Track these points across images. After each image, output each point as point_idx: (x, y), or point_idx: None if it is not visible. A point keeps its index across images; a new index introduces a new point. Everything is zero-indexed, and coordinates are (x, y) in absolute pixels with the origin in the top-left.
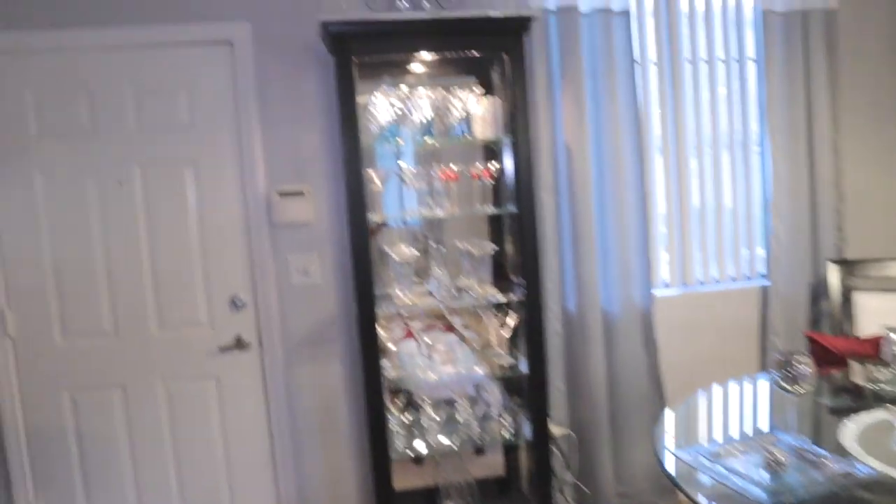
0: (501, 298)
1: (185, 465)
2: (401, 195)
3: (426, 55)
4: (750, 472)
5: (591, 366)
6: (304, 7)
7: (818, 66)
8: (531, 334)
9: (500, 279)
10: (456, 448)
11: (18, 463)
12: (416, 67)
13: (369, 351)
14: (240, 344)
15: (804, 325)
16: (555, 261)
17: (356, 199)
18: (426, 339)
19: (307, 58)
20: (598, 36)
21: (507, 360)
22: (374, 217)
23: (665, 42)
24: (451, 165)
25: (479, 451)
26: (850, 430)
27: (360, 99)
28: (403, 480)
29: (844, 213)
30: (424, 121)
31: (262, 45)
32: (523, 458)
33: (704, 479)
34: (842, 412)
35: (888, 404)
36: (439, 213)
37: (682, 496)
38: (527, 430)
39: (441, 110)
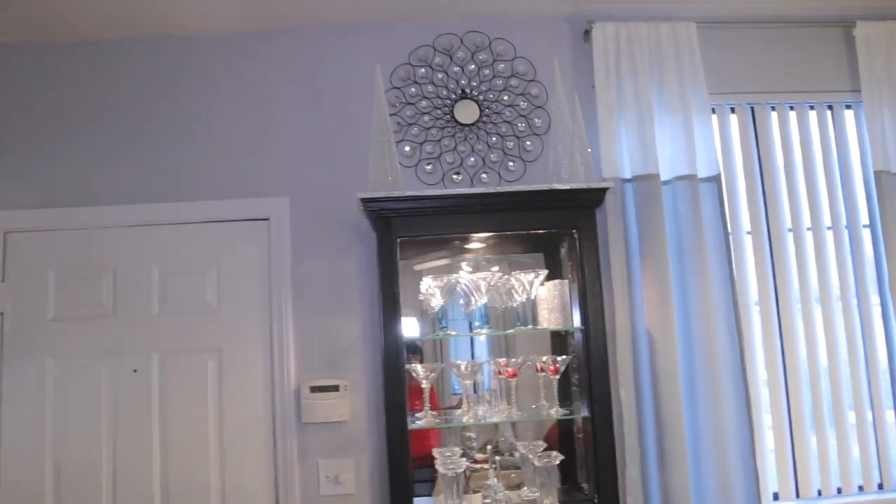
0: None
1: None
2: (445, 385)
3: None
4: None
5: None
6: (347, 179)
7: None
8: None
9: (571, 489)
10: None
11: None
12: (473, 245)
13: None
14: None
15: None
16: (636, 471)
17: (396, 398)
18: None
19: (349, 235)
20: (683, 205)
21: None
22: (420, 421)
23: (762, 209)
24: (512, 359)
25: None
26: None
27: (409, 280)
28: None
29: None
30: (480, 307)
31: (300, 221)
32: None
33: None
34: None
35: None
36: (494, 417)
37: None
38: None
39: (500, 295)
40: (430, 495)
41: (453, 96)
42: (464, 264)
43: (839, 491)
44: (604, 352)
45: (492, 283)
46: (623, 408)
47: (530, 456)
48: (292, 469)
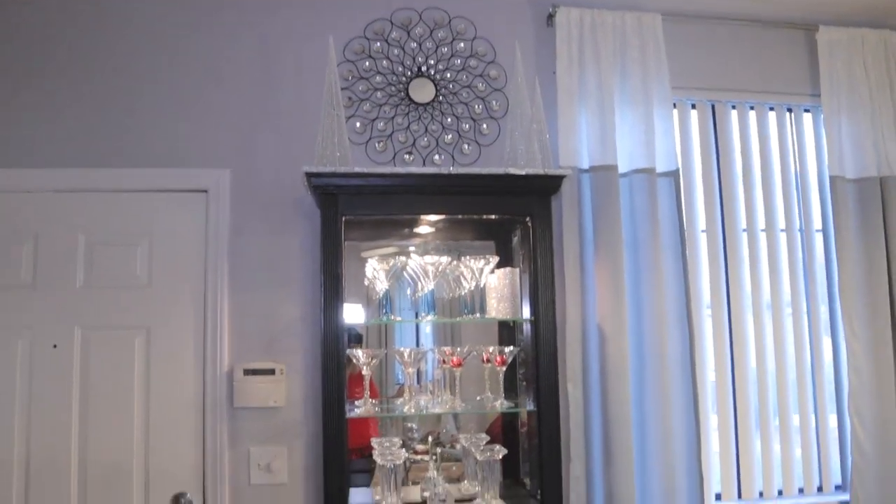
0: None
1: None
2: (388, 374)
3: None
4: None
5: None
6: (294, 155)
7: None
8: None
9: (514, 484)
10: None
11: None
12: (422, 229)
13: None
14: None
15: None
16: (581, 468)
17: (334, 383)
18: None
19: (292, 213)
20: (640, 199)
21: None
22: (358, 408)
23: (717, 208)
24: (457, 349)
25: None
26: None
27: (354, 265)
28: None
29: None
30: (427, 294)
31: (241, 195)
32: None
33: None
34: None
35: None
36: (437, 408)
37: None
38: None
39: (448, 283)
40: (367, 486)
41: (409, 73)
42: (412, 249)
43: (780, 493)
44: (553, 344)
45: (440, 269)
46: (570, 403)
47: (472, 449)
48: (222, 456)
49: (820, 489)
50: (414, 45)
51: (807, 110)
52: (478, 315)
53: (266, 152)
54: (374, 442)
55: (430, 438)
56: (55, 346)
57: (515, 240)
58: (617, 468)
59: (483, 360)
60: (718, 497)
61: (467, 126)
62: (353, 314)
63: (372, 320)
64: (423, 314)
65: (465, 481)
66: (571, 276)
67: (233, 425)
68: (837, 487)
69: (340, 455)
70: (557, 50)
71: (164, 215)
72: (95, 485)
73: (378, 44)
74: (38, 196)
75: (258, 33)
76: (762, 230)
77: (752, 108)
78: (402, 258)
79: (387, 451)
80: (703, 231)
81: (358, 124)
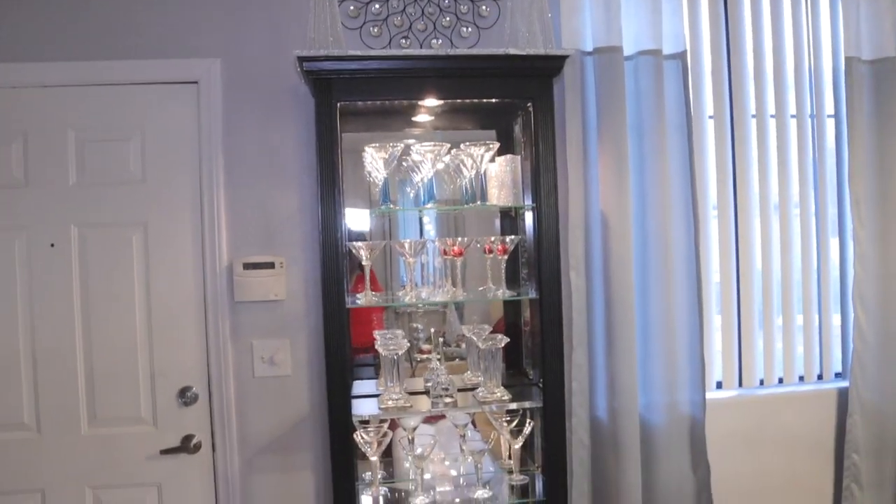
0: (512, 406)
1: None
2: (393, 272)
3: (433, 101)
4: None
5: (623, 486)
6: (286, 43)
7: None
8: (551, 447)
9: (516, 374)
10: None
11: None
12: (421, 117)
13: (342, 462)
14: (188, 446)
15: None
16: (583, 356)
17: (334, 274)
18: (418, 449)
19: (287, 102)
20: (646, 82)
21: (518, 479)
22: (360, 299)
23: (726, 93)
24: (458, 238)
25: None
26: None
27: (350, 152)
28: None
29: None
30: (426, 182)
31: (233, 85)
32: None
33: None
34: None
35: None
36: (438, 297)
37: None
38: None
39: (448, 172)
40: (372, 379)
41: None
42: (411, 142)
43: (780, 381)
44: (556, 231)
45: (440, 155)
46: (573, 292)
47: (475, 338)
48: (225, 350)
49: (820, 377)
50: None
51: None
52: (479, 203)
53: (257, 40)
54: (377, 334)
55: (433, 333)
56: (52, 245)
57: (517, 128)
58: (619, 356)
59: (485, 251)
60: (719, 385)
61: (465, 8)
62: (353, 217)
63: (372, 209)
64: (423, 204)
65: (469, 371)
66: (574, 162)
67: (234, 319)
68: (837, 375)
69: (342, 345)
70: None
71: (156, 109)
72: (102, 381)
73: None
74: (24, 92)
75: None
76: (772, 116)
77: None
78: (401, 144)
79: (389, 342)
80: (710, 117)
81: (351, 7)
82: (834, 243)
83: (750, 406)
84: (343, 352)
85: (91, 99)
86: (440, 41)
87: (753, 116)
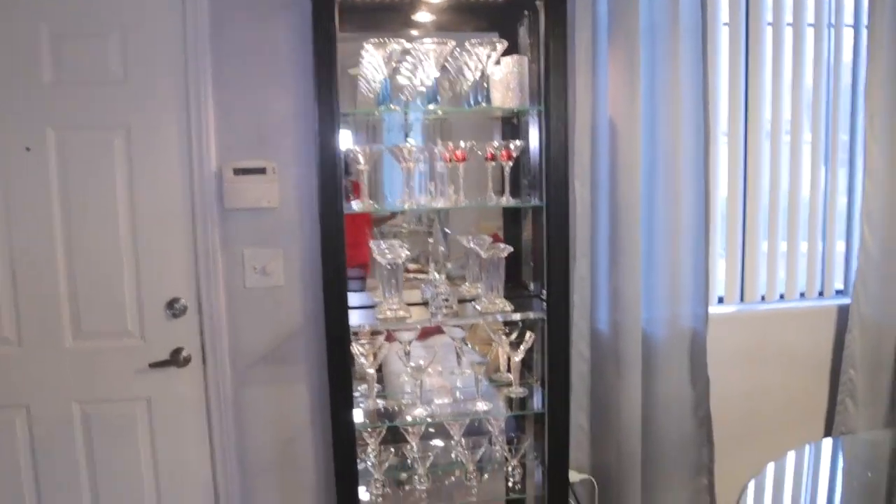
0: (514, 316)
1: None
2: (393, 178)
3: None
4: None
5: (623, 399)
6: None
7: None
8: (553, 360)
9: (515, 287)
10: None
11: None
12: (421, 16)
13: (339, 373)
14: (178, 359)
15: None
16: (586, 268)
17: (330, 180)
18: (415, 361)
19: None
20: None
21: (518, 391)
22: (355, 205)
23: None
24: (461, 143)
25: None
26: None
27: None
28: None
29: None
30: (428, 83)
31: None
32: None
33: None
34: None
35: None
36: (440, 203)
37: None
38: (538, 478)
39: (451, 70)
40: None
41: None
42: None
43: (782, 297)
44: (564, 136)
45: (443, 55)
46: (577, 201)
47: (476, 248)
48: (215, 259)
49: (821, 294)
50: None
51: None
52: (483, 104)
53: None
54: (373, 244)
55: (431, 242)
56: (28, 149)
57: (521, 31)
58: (623, 268)
59: (487, 158)
60: (721, 300)
61: None
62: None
63: (371, 110)
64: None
65: (467, 283)
66: (582, 67)
67: (224, 228)
68: (839, 292)
69: (339, 251)
70: None
71: (137, 2)
72: (86, 293)
73: None
74: None
75: None
76: (788, 24)
77: None
78: (402, 42)
79: (386, 252)
80: (725, 24)
81: None
82: (843, 173)
83: (750, 321)
84: (340, 258)
85: None
86: None
87: (770, 24)
